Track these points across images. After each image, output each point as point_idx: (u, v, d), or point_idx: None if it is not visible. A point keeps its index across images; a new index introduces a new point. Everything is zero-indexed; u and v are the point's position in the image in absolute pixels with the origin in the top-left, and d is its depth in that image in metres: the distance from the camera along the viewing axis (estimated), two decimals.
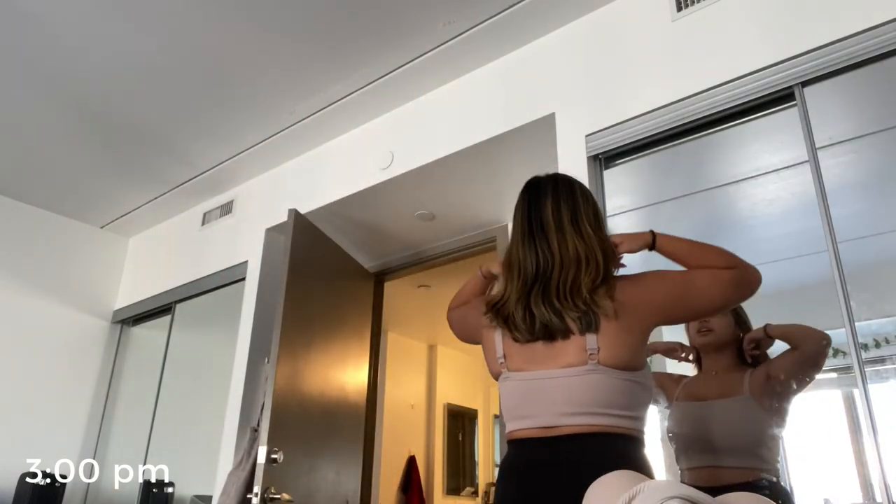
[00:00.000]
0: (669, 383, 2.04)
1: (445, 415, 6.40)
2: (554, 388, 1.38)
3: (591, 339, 1.36)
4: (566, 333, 1.39)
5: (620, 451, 1.33)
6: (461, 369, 6.75)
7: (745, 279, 1.43)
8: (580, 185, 1.58)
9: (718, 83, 2.12)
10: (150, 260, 4.47)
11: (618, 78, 2.41)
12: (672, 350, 2.06)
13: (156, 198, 4.12)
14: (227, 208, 3.93)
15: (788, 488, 1.80)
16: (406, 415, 5.99)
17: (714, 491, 1.09)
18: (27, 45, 2.81)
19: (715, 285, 1.42)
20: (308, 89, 3.06)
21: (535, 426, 1.39)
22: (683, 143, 2.24)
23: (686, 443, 1.91)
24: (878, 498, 1.61)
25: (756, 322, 1.92)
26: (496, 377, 1.53)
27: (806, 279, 2.03)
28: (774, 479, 1.75)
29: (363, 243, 3.69)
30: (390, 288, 4.01)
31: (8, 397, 3.86)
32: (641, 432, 1.40)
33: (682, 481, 1.80)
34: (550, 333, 1.40)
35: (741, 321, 1.94)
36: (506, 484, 1.42)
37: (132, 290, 4.45)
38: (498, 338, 1.50)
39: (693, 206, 2.30)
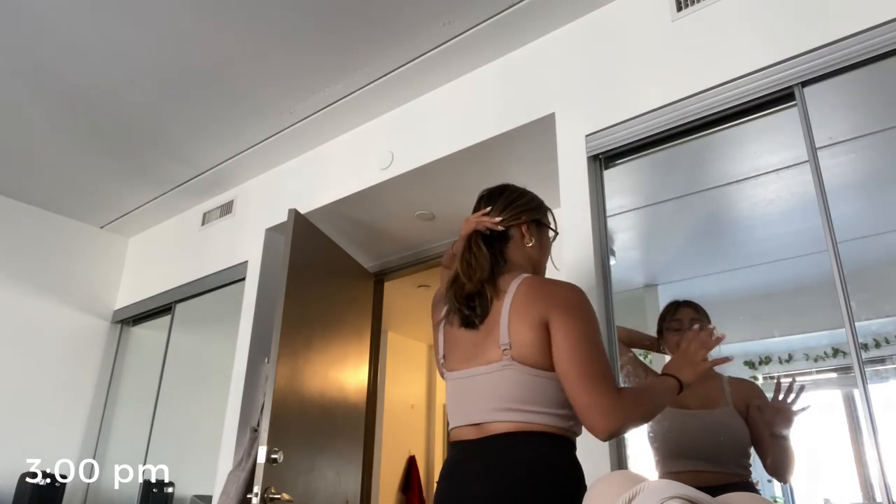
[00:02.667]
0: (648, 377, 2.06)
1: (445, 415, 6.40)
2: (478, 385, 1.43)
3: (503, 335, 1.39)
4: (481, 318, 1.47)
5: (538, 452, 1.35)
6: None
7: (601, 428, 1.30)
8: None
9: (718, 83, 2.12)
10: (150, 260, 4.47)
11: (618, 78, 2.41)
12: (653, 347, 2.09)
13: (156, 198, 4.12)
14: (227, 208, 3.93)
15: (789, 488, 1.81)
16: (406, 415, 5.99)
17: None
18: (27, 44, 2.81)
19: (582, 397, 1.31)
20: (308, 89, 3.06)
21: (466, 423, 1.44)
22: (683, 143, 2.24)
23: (669, 448, 1.94)
24: (878, 498, 1.61)
25: (761, 324, 1.94)
26: (443, 377, 1.59)
27: (806, 279, 2.03)
28: (747, 482, 1.80)
29: (363, 243, 3.69)
30: (390, 288, 4.01)
31: (8, 397, 3.86)
32: (565, 430, 1.39)
33: None
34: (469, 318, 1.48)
35: None
36: (440, 485, 1.48)
37: (132, 290, 4.45)
38: (440, 337, 1.58)
39: (693, 206, 2.30)
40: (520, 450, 1.35)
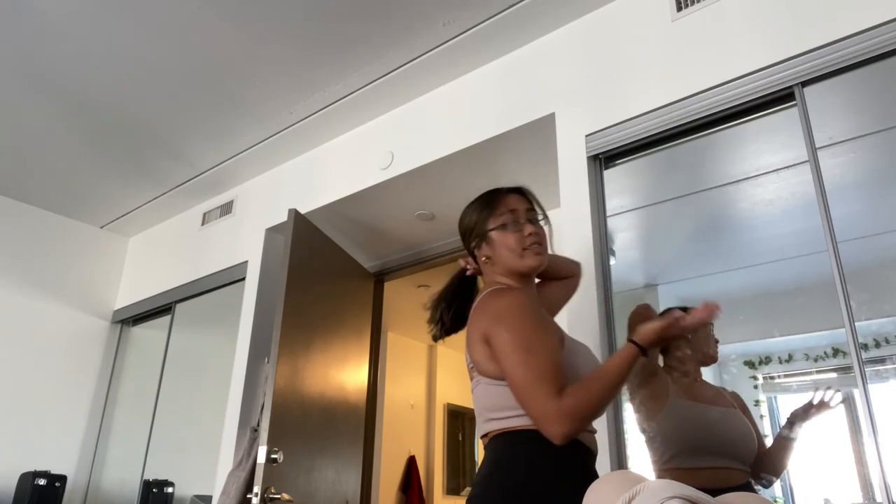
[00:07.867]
0: (658, 395, 1.96)
1: (445, 415, 6.40)
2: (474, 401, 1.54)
3: (468, 355, 1.50)
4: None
5: (510, 448, 1.40)
6: (461, 369, 6.70)
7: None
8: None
9: (718, 83, 2.12)
10: (150, 260, 4.47)
11: (618, 78, 2.41)
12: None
13: (156, 198, 4.12)
14: (227, 208, 3.93)
15: (788, 488, 1.81)
16: (406, 415, 5.98)
17: (717, 492, 1.10)
18: (27, 45, 2.81)
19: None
20: (308, 89, 3.06)
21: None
22: (683, 143, 2.24)
23: (687, 442, 1.89)
24: (878, 498, 1.61)
25: (761, 324, 1.94)
26: None
27: (806, 279, 2.03)
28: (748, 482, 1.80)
29: (363, 243, 3.69)
30: (390, 288, 4.01)
31: (8, 397, 3.86)
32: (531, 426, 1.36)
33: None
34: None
35: None
36: None
37: (132, 290, 4.45)
38: None
39: (693, 206, 2.30)
40: (491, 452, 1.43)
